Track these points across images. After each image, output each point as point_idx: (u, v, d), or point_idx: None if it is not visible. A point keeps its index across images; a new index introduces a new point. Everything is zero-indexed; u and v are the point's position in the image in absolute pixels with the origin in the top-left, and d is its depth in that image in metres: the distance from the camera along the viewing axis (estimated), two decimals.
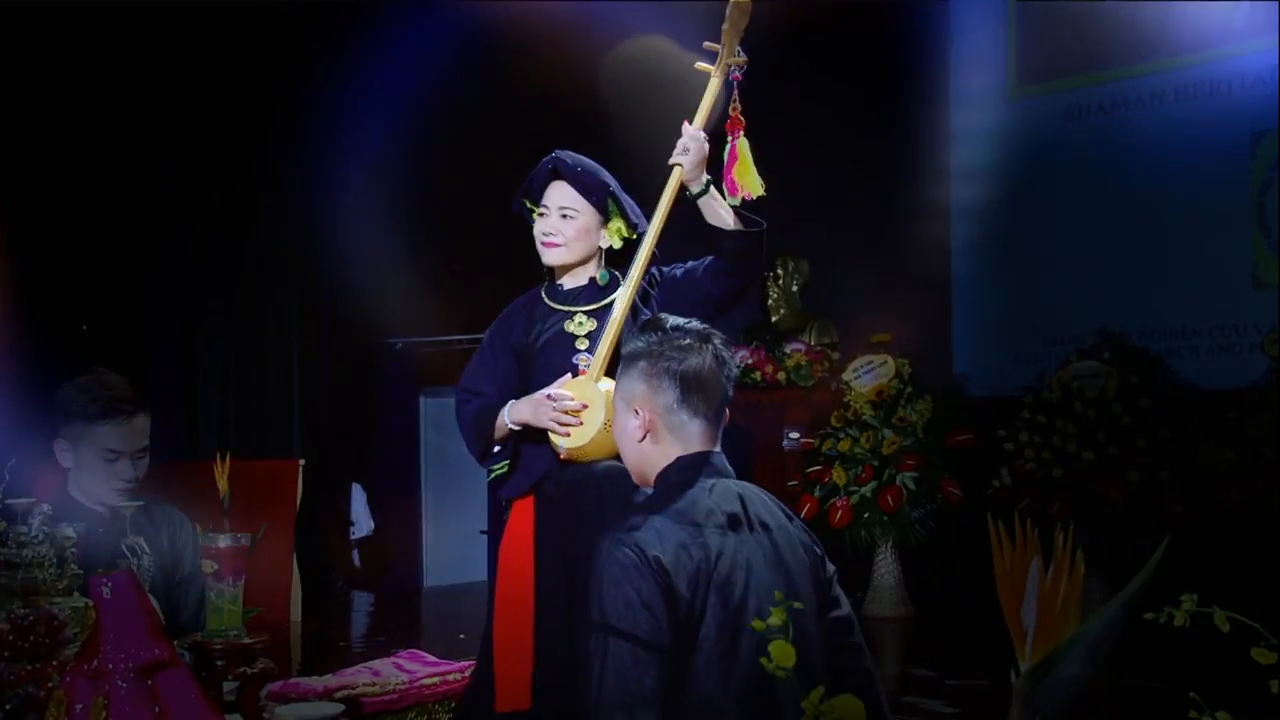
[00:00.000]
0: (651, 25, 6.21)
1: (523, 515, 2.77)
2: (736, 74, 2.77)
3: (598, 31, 6.42)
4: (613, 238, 2.85)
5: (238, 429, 6.94)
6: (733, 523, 1.95)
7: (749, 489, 2.06)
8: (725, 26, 2.77)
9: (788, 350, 6.70)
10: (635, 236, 2.84)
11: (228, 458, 2.65)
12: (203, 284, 7.07)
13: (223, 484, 2.63)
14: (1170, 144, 6.13)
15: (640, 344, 2.09)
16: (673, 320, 2.12)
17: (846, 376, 6.28)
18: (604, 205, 2.82)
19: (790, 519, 2.09)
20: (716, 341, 2.09)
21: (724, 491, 2.01)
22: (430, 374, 7.88)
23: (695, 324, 2.12)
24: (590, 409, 2.64)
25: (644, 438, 2.06)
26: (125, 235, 6.48)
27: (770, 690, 1.81)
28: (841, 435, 6.16)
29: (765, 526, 2.01)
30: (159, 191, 6.66)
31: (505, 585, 2.75)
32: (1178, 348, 6.07)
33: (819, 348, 6.75)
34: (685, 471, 2.03)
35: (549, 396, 2.67)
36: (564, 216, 2.83)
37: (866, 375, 6.22)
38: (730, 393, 2.11)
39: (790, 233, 6.70)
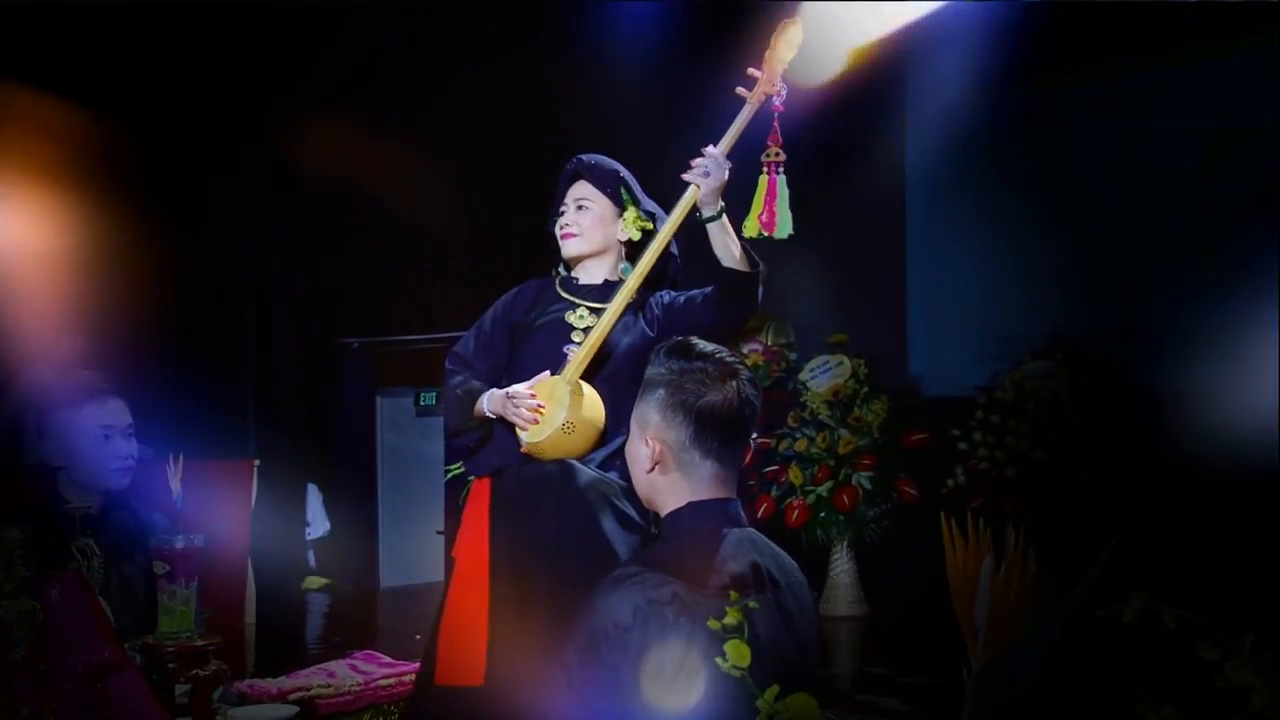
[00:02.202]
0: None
1: (482, 493, 2.78)
2: (778, 104, 2.74)
3: (582, 38, 6.41)
4: (630, 229, 2.89)
5: (191, 429, 6.87)
6: (738, 583, 1.80)
7: (761, 541, 1.92)
8: (767, 54, 2.75)
9: (745, 350, 6.71)
10: (654, 227, 2.87)
11: (180, 458, 2.64)
12: (156, 283, 6.99)
13: (175, 485, 2.60)
14: (1123, 146, 6.21)
15: (662, 370, 1.92)
16: (701, 346, 1.94)
17: (803, 376, 6.31)
18: (617, 195, 2.88)
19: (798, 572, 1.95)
20: (742, 377, 1.91)
21: (735, 545, 1.86)
22: (387, 374, 7.86)
23: (724, 354, 1.93)
24: (551, 408, 2.65)
25: (652, 469, 1.91)
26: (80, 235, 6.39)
27: None
28: (798, 435, 6.19)
29: (775, 584, 1.87)
30: (116, 190, 6.58)
31: (463, 562, 2.74)
32: (1129, 348, 6.14)
33: (775, 348, 6.77)
34: (694, 520, 1.88)
35: (508, 394, 2.68)
36: (579, 208, 2.89)
37: (823, 375, 6.25)
38: (752, 434, 1.97)
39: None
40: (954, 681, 1.52)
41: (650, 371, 1.95)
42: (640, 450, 1.92)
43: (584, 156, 2.93)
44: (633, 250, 2.91)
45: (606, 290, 2.85)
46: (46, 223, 6.20)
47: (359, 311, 7.63)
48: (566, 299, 2.87)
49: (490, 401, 2.76)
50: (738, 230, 2.74)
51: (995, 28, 6.04)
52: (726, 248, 2.70)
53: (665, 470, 1.90)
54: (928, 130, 6.94)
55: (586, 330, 2.79)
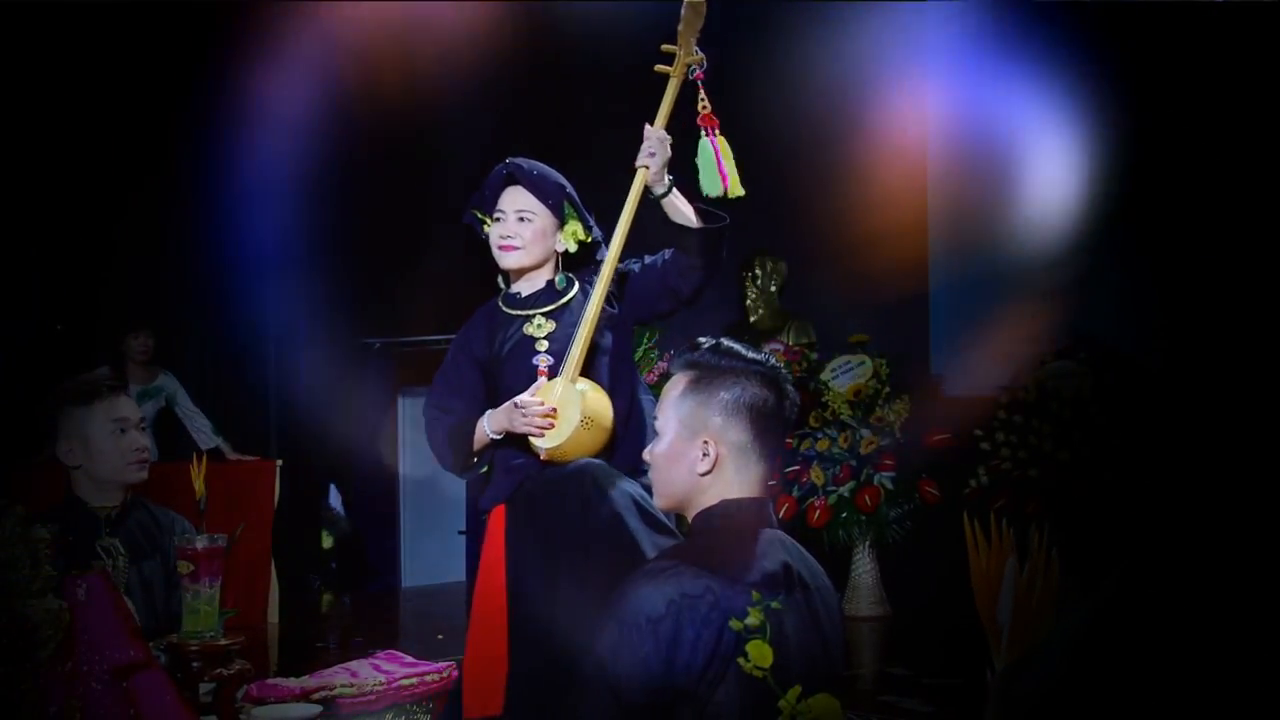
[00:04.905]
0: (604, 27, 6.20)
1: (497, 525, 2.78)
2: (699, 72, 2.80)
3: (561, 35, 6.42)
4: (568, 241, 2.89)
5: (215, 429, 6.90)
6: (770, 581, 1.79)
7: (790, 543, 1.91)
8: (680, 27, 2.80)
9: (766, 350, 6.71)
10: (590, 240, 2.88)
11: (204, 458, 2.65)
12: (178, 284, 7.03)
13: (199, 485, 2.62)
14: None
15: (717, 370, 1.92)
16: (747, 350, 1.96)
17: (825, 376, 6.29)
18: (560, 209, 2.86)
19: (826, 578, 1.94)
20: (788, 383, 1.94)
21: (768, 545, 1.85)
22: (409, 374, 7.86)
23: (769, 357, 1.98)
24: (564, 409, 2.66)
25: (708, 472, 1.88)
26: (99, 235, 6.44)
27: None
28: (819, 435, 6.18)
29: (805, 586, 1.85)
30: (133, 191, 6.62)
31: (481, 594, 2.76)
32: (1153, 347, 6.09)
33: (797, 348, 6.76)
34: (730, 517, 1.86)
35: (516, 404, 2.68)
36: (521, 220, 2.85)
37: (844, 375, 6.24)
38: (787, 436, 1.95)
39: (768, 233, 6.71)
40: (976, 682, 1.52)
41: (698, 373, 1.93)
42: (692, 452, 1.89)
43: (521, 163, 2.88)
44: (568, 260, 2.90)
45: (551, 294, 2.87)
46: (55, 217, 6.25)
47: (380, 311, 7.65)
48: (518, 314, 2.87)
49: (492, 421, 2.76)
50: (696, 193, 2.78)
51: (1018, 24, 6.01)
52: (683, 214, 2.76)
53: (720, 474, 1.88)
54: (950, 127, 6.91)
55: (549, 336, 2.80)
